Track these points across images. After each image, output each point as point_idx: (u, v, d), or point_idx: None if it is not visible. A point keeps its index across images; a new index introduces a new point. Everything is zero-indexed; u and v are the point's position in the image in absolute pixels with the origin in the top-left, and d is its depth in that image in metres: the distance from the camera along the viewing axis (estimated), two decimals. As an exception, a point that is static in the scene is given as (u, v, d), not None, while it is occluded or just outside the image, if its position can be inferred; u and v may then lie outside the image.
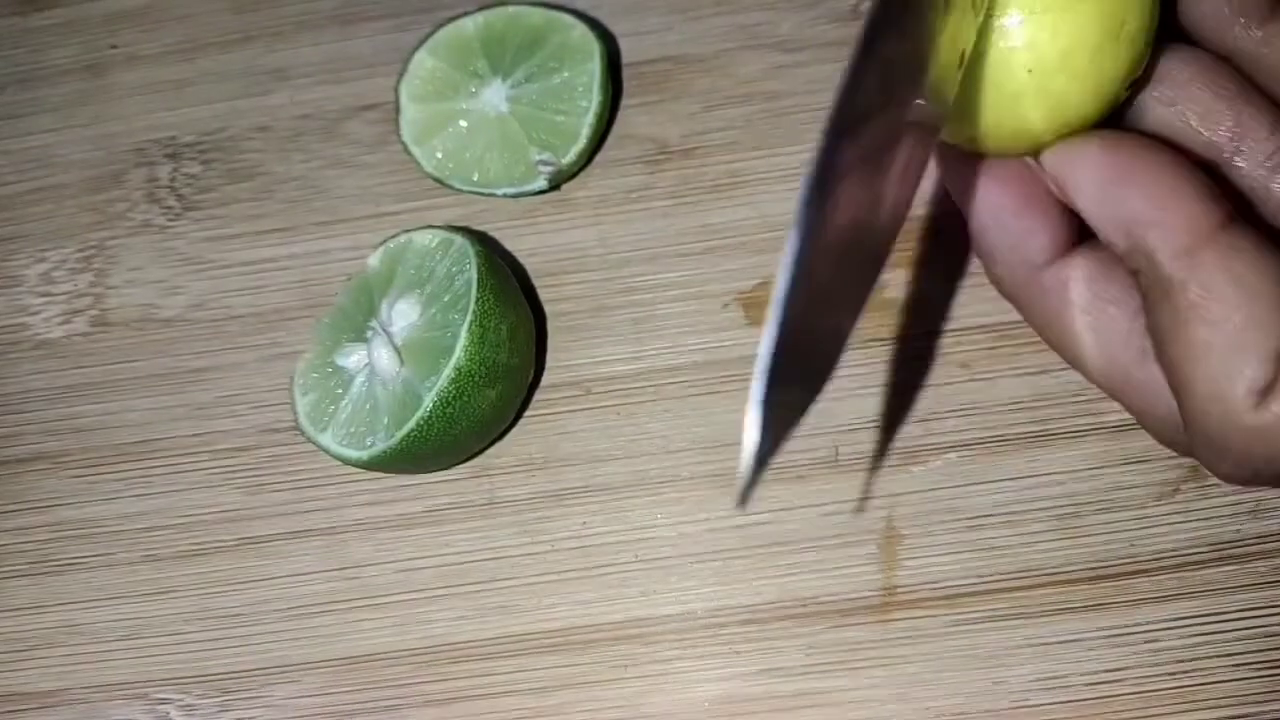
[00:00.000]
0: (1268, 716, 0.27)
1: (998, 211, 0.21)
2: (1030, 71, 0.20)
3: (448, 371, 0.28)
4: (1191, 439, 0.19)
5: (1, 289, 0.36)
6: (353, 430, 0.29)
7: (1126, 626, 0.28)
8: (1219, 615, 0.28)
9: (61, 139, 0.37)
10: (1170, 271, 0.18)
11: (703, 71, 0.35)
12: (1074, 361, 0.22)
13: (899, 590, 0.29)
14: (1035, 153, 0.22)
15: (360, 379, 0.30)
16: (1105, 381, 0.21)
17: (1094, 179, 0.20)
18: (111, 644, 0.32)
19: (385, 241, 0.32)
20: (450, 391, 0.28)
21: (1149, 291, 0.19)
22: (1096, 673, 0.28)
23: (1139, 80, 0.21)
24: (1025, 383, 0.30)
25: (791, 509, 0.30)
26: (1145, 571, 0.29)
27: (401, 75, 0.34)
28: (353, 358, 0.30)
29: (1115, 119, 0.22)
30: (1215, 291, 0.18)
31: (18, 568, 0.33)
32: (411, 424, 0.28)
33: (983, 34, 0.20)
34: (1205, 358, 0.18)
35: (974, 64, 0.20)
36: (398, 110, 0.34)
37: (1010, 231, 0.21)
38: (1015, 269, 0.22)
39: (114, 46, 0.38)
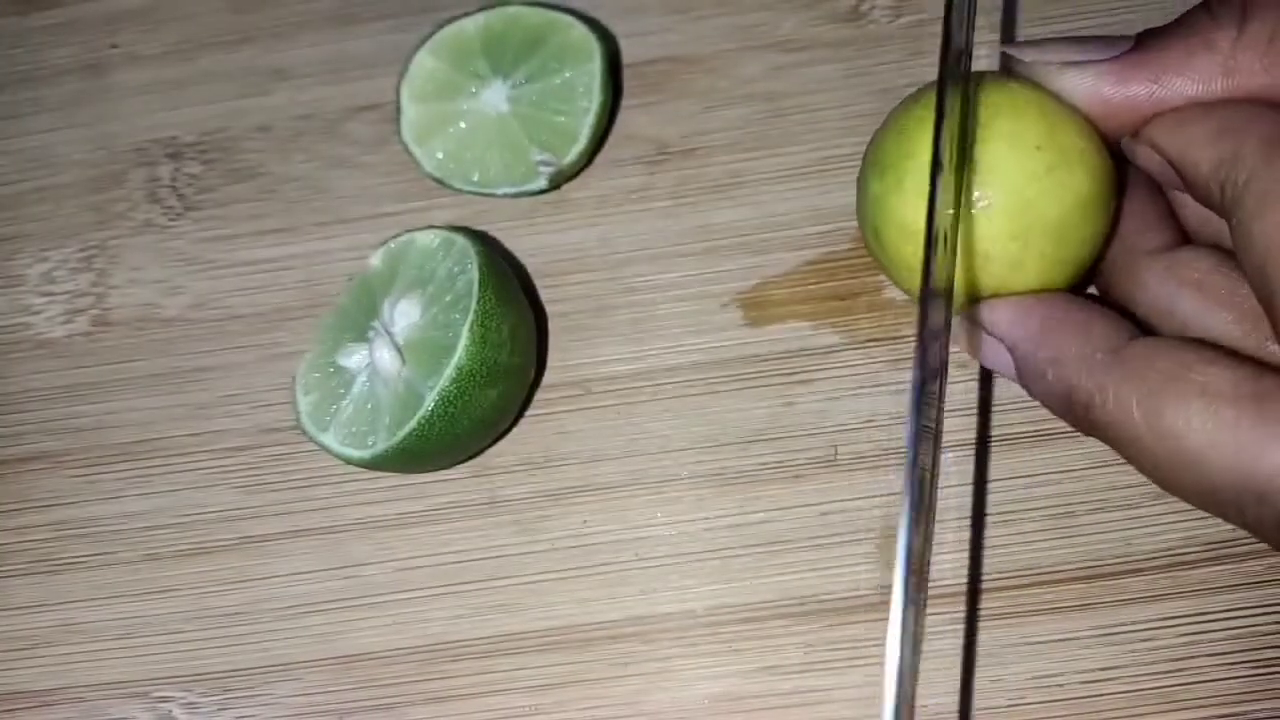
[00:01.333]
0: (1260, 714, 0.28)
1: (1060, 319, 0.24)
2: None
3: (449, 371, 0.28)
4: None
5: (3, 289, 0.36)
6: (354, 430, 0.29)
7: (1120, 625, 0.29)
8: (1212, 614, 0.28)
9: (62, 139, 0.37)
10: (1257, 162, 0.21)
11: (703, 72, 0.35)
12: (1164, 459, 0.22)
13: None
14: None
15: (362, 378, 0.30)
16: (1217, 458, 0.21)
17: (1204, 131, 0.23)
18: (111, 642, 0.32)
19: (387, 241, 0.32)
20: (452, 391, 0.28)
21: (1236, 200, 0.22)
22: (1090, 671, 0.28)
23: None
24: (1021, 383, 0.31)
25: (790, 508, 0.30)
26: (1139, 571, 0.29)
27: (402, 75, 0.34)
28: (354, 357, 0.30)
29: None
30: None
31: (18, 567, 0.33)
32: (413, 423, 0.28)
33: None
34: None
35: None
36: (398, 110, 0.34)
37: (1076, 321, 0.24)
38: (1094, 352, 0.23)
39: (114, 46, 0.38)
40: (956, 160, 0.25)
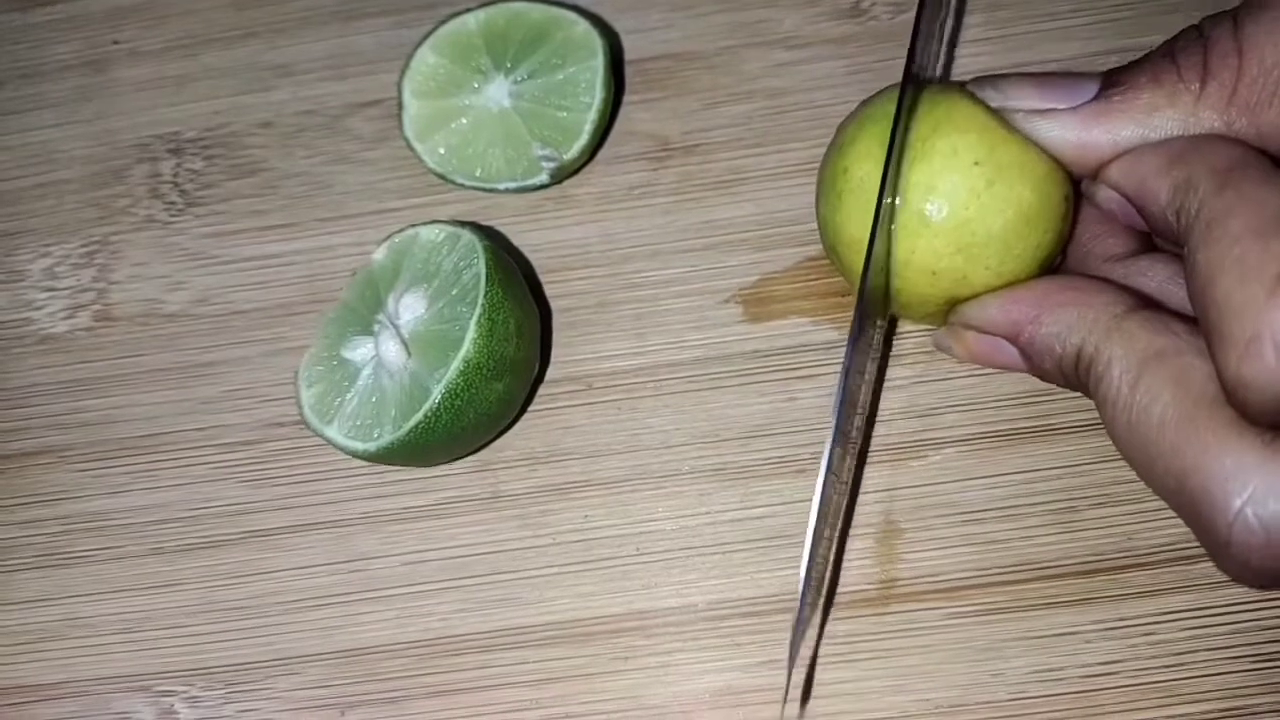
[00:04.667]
0: (1260, 708, 0.28)
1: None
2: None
3: (456, 364, 0.28)
4: (1231, 387, 0.21)
5: (5, 284, 0.36)
6: (359, 422, 0.29)
7: (1122, 619, 0.29)
8: (1212, 609, 0.29)
9: (64, 134, 0.37)
10: (1208, 190, 0.22)
11: (705, 68, 0.35)
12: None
13: (897, 583, 0.30)
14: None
15: (367, 371, 0.30)
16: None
17: (1158, 162, 0.23)
18: (117, 636, 0.32)
19: (390, 236, 0.32)
20: (459, 384, 0.28)
21: (1189, 227, 0.22)
22: (1091, 665, 0.28)
23: None
24: (1024, 378, 0.31)
25: (791, 503, 0.31)
26: (1141, 565, 0.29)
27: (404, 71, 0.34)
28: (359, 351, 0.31)
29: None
30: (1244, 192, 0.21)
31: (25, 560, 0.33)
32: (419, 415, 0.28)
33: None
34: (1238, 246, 0.20)
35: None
36: (400, 106, 0.34)
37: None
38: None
39: (116, 42, 0.38)
40: (892, 173, 0.25)
